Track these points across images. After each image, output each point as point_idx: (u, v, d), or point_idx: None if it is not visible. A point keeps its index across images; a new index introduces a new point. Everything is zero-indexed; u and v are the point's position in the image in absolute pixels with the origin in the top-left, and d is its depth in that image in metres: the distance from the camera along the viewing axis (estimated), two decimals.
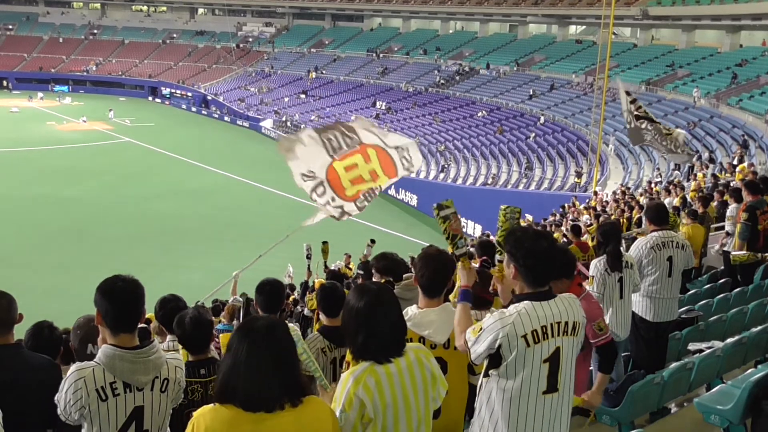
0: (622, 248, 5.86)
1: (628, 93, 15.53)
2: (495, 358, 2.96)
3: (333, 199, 6.10)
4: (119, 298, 3.01)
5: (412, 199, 35.15)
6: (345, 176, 6.11)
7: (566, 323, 2.99)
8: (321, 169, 6.10)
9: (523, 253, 3.03)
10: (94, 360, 3.00)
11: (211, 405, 2.42)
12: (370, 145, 6.23)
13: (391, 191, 36.67)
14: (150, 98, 71.14)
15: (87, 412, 2.91)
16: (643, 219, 10.46)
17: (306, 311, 10.38)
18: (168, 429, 3.25)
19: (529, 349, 2.88)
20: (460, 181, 36.70)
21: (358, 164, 6.20)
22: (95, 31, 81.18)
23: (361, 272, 7.62)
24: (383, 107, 53.66)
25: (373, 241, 12.62)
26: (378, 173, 6.27)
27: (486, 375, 3.03)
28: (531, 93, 47.74)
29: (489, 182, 35.37)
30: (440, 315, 3.40)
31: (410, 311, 3.46)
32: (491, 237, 19.56)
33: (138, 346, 3.03)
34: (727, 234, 9.07)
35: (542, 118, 42.16)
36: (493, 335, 2.90)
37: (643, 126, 14.26)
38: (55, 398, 2.98)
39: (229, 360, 2.41)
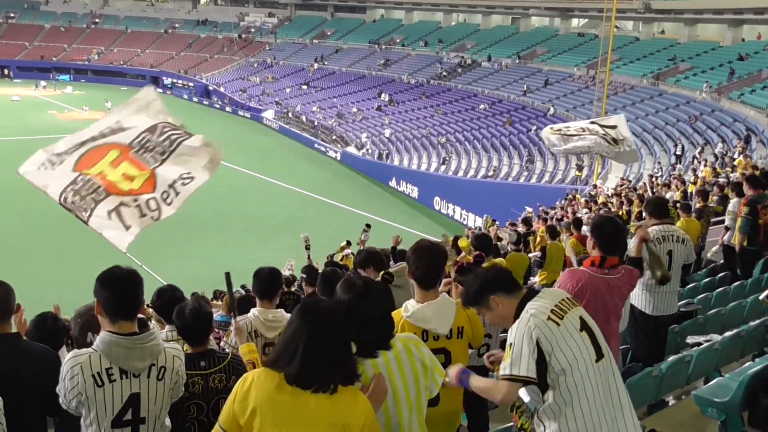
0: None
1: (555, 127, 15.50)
2: (541, 364, 2.96)
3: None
4: (119, 288, 3.05)
5: (413, 191, 35.14)
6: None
7: (567, 299, 3.12)
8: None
9: (491, 282, 3.16)
10: (92, 347, 3.02)
11: (264, 368, 2.54)
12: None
13: (392, 183, 36.69)
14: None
15: (84, 398, 2.93)
16: (644, 212, 10.43)
17: None
18: (167, 418, 3.25)
19: (561, 327, 2.97)
20: (461, 173, 36.68)
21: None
22: (97, 20, 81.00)
23: (304, 276, 7.31)
24: (386, 98, 53.54)
25: (368, 226, 12.32)
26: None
27: (543, 392, 3.02)
28: (525, 88, 47.53)
29: (490, 174, 35.36)
30: (439, 307, 3.41)
31: (410, 307, 3.47)
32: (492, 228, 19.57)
33: (135, 332, 3.05)
34: (726, 229, 9.06)
35: (552, 110, 41.90)
36: (527, 334, 2.94)
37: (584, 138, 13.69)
38: (57, 388, 3.00)
39: (286, 335, 2.55)
